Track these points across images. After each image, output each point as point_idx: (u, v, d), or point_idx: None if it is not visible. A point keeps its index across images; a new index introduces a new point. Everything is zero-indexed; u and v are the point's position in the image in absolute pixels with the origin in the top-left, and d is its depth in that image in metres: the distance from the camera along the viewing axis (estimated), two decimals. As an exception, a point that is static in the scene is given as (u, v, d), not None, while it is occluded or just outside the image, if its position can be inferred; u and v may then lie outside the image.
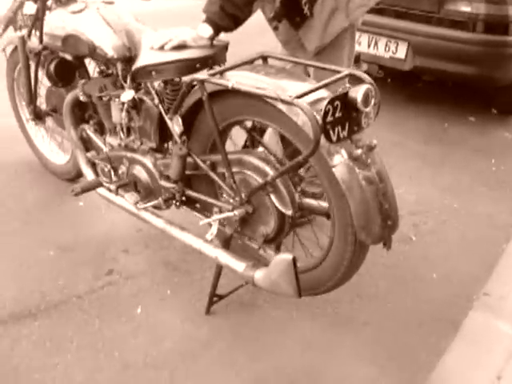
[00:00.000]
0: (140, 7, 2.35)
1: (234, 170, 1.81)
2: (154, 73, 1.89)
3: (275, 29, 2.22)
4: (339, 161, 1.55)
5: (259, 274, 1.68)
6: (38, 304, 2.19)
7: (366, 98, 1.49)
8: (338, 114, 1.47)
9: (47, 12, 2.32)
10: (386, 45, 3.56)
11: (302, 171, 1.97)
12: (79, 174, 2.71)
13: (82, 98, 2.36)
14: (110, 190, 2.28)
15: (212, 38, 1.95)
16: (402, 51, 3.51)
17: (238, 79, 1.65)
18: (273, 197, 1.75)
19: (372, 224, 1.58)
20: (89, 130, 2.47)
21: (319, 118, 1.44)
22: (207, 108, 1.73)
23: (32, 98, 2.76)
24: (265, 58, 1.85)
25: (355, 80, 1.68)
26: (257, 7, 2.11)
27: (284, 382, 1.88)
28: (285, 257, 1.56)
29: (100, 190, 2.37)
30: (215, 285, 2.08)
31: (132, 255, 2.48)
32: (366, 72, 3.70)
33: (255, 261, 1.82)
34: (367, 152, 1.58)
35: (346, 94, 1.49)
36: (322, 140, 1.48)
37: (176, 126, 1.92)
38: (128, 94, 2.07)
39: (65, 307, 2.18)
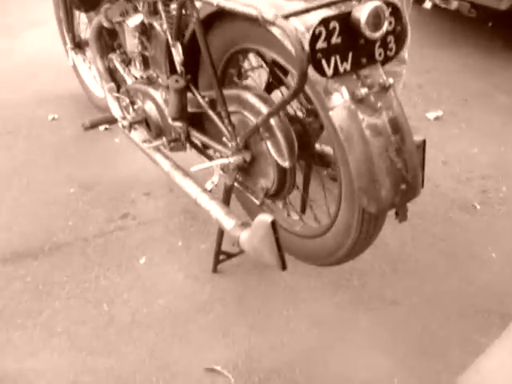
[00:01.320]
0: None
1: (232, 109, 1.51)
2: (150, -10, 1.61)
3: None
4: (338, 102, 1.19)
5: (244, 236, 1.40)
6: (43, 244, 2.06)
7: (374, 20, 1.11)
8: (335, 40, 1.11)
9: None
10: (483, -23, 2.99)
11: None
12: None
13: (105, 24, 2.14)
14: (123, 127, 2.06)
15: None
16: (499, -15, 2.94)
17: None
18: (269, 144, 1.44)
19: (376, 187, 1.23)
20: (116, 61, 2.25)
21: (306, 43, 1.10)
22: (197, 32, 1.43)
23: (69, 25, 2.59)
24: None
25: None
26: None
27: (278, 363, 1.61)
28: (263, 219, 1.25)
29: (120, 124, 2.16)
30: (220, 241, 1.82)
31: (153, 199, 2.28)
32: (456, 11, 3.20)
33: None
34: (379, 93, 1.21)
35: (348, 14, 1.13)
36: (315, 73, 1.14)
37: (177, 54, 1.64)
38: (136, 19, 1.82)
39: (68, 250, 2.04)
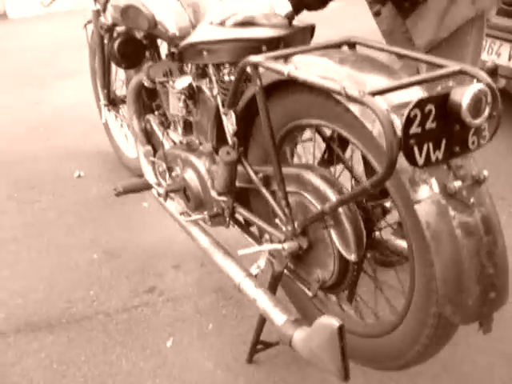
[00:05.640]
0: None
1: (290, 189, 1.37)
2: (205, 53, 1.49)
3: (376, 14, 1.73)
4: (426, 195, 1.04)
5: (299, 335, 1.22)
6: (61, 315, 1.89)
7: (475, 105, 0.97)
8: (429, 125, 0.97)
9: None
10: (532, 55, 2.90)
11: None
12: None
13: (146, 84, 2.04)
14: (159, 195, 1.93)
15: (290, 17, 1.52)
16: (552, 64, 2.84)
17: (300, 65, 1.21)
18: (333, 233, 1.28)
19: (464, 296, 1.06)
20: (153, 122, 2.13)
21: (398, 126, 0.96)
22: (259, 101, 1.29)
23: (105, 80, 2.50)
24: (352, 45, 1.37)
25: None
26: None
27: None
28: (328, 322, 1.08)
29: (154, 191, 2.03)
30: (259, 330, 1.63)
31: (182, 273, 2.10)
32: (503, 89, 3.09)
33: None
34: (471, 187, 1.06)
35: (446, 96, 0.99)
36: (403, 161, 0.99)
37: (229, 123, 1.51)
38: (184, 81, 1.70)
39: (88, 324, 1.86)
